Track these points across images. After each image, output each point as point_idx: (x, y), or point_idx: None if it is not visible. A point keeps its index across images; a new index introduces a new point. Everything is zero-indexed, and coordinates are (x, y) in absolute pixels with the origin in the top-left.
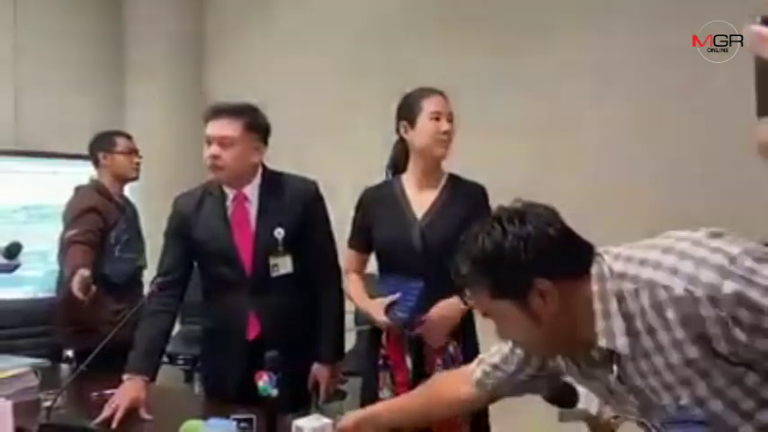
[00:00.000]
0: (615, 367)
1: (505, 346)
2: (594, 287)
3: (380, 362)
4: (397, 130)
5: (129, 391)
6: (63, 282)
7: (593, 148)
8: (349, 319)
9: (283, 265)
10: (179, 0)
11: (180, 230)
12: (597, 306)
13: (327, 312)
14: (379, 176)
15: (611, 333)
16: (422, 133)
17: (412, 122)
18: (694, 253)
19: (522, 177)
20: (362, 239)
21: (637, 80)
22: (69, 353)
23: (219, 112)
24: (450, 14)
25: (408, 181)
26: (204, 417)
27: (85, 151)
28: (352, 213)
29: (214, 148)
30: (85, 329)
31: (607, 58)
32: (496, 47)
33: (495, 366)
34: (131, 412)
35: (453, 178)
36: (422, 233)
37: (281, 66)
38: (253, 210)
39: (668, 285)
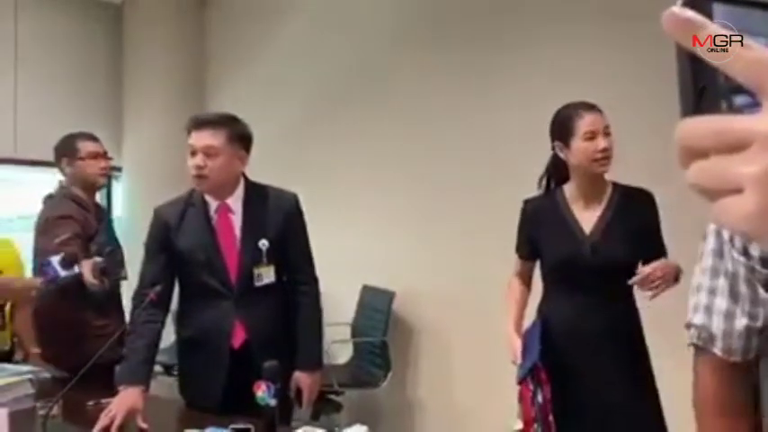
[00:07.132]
0: None
1: None
2: None
3: None
4: (552, 149)
5: (125, 400)
6: (42, 294)
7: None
8: (345, 331)
9: (267, 275)
10: (179, 3)
11: (163, 240)
12: None
13: (306, 321)
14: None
15: None
16: (577, 154)
17: (566, 143)
18: None
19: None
20: (527, 248)
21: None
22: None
23: (202, 122)
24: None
25: (572, 194)
26: (201, 426)
27: None
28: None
29: (199, 158)
30: (70, 348)
31: (599, 69)
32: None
33: None
34: (128, 421)
35: (618, 188)
36: (593, 250)
37: (276, 103)
38: (237, 220)
39: None
